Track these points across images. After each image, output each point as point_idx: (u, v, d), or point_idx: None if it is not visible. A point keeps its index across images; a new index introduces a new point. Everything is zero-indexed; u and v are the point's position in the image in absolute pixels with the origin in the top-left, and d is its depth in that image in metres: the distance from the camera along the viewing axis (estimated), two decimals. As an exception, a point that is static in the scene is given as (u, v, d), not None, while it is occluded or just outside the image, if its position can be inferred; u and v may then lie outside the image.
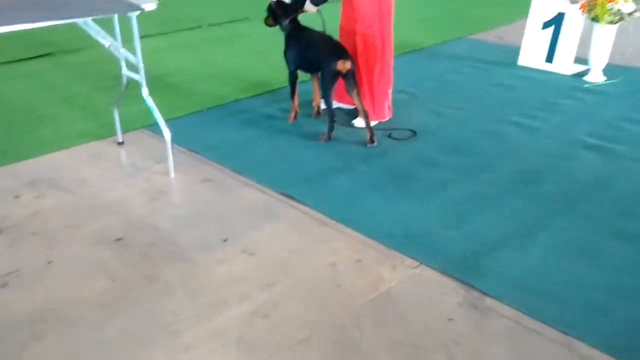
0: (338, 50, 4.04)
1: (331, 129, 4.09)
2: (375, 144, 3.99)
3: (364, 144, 3.99)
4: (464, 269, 2.74)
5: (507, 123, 4.33)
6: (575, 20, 5.17)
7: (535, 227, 3.07)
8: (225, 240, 3.02)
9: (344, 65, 3.97)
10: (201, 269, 2.80)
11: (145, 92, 3.61)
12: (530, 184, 3.47)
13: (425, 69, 5.50)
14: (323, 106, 4.53)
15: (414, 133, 4.15)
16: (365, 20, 4.13)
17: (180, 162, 3.77)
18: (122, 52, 3.58)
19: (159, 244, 3.00)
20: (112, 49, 3.66)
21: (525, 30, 5.55)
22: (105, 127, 4.35)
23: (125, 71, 3.81)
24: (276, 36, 4.33)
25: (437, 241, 2.96)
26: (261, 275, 2.75)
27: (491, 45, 6.35)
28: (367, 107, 4.29)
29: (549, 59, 5.39)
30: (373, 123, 4.32)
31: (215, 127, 4.37)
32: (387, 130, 4.21)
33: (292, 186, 3.48)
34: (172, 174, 3.68)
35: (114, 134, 4.19)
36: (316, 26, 4.22)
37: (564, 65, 5.32)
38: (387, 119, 4.39)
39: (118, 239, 3.04)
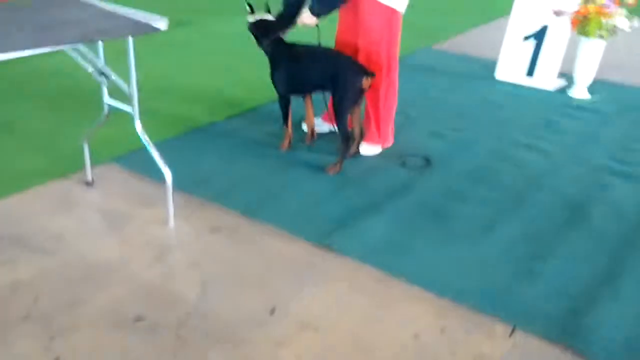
0: (359, 66, 3.58)
1: (344, 157, 3.61)
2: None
3: (384, 179, 3.56)
4: (569, 333, 2.36)
5: (518, 146, 4.02)
6: (560, 34, 4.98)
7: (612, 273, 2.74)
8: (273, 311, 2.47)
9: (367, 83, 3.53)
10: (261, 354, 2.24)
11: (139, 126, 2.96)
12: (580, 220, 3.15)
13: (404, 84, 5.04)
14: (321, 129, 4.07)
15: (428, 161, 3.75)
16: (372, 36, 3.66)
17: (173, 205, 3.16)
18: (113, 79, 2.91)
19: (193, 321, 2.40)
20: (95, 74, 2.99)
21: (503, 43, 5.31)
22: (63, 162, 3.64)
23: (107, 99, 3.14)
24: (225, 44, 3.79)
25: (518, 297, 2.57)
26: (338, 359, 2.23)
27: (457, 56, 6.08)
28: (372, 132, 3.86)
29: (530, 73, 5.17)
30: (377, 149, 3.89)
31: (199, 156, 3.76)
32: (397, 157, 3.79)
33: (323, 233, 2.98)
34: (172, 223, 3.06)
35: (78, 169, 3.50)
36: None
37: (546, 80, 5.12)
38: (391, 144, 3.96)
39: (138, 318, 2.41)
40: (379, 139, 3.88)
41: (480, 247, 2.90)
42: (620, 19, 4.59)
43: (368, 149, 3.85)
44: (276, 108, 3.92)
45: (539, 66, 5.12)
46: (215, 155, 3.78)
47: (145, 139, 2.97)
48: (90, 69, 2.99)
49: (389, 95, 3.85)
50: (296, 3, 3.60)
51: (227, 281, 2.65)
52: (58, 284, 2.60)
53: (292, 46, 3.72)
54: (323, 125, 4.16)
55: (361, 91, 3.56)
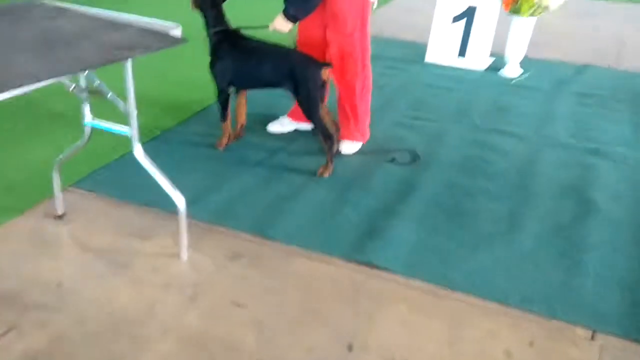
0: (313, 60, 3.37)
1: (333, 156, 3.39)
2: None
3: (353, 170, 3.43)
4: (644, 328, 2.38)
5: (488, 132, 4.01)
6: (490, 13, 5.03)
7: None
8: (350, 348, 2.24)
9: (326, 75, 3.33)
10: (369, 402, 2.03)
11: (139, 150, 2.55)
12: (589, 207, 3.15)
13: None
14: (286, 129, 3.85)
15: (415, 155, 3.63)
16: (346, 28, 3.43)
17: (168, 232, 2.80)
18: (111, 97, 2.46)
19: (271, 372, 2.12)
20: (77, 91, 2.53)
21: (432, 26, 5.28)
22: (13, 194, 3.10)
23: (90, 120, 2.66)
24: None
25: (582, 297, 2.52)
26: (451, 393, 2.07)
27: (377, 40, 5.95)
28: (351, 129, 3.67)
29: (462, 53, 5.20)
30: (358, 145, 3.71)
31: (173, 171, 3.24)
32: (382, 153, 3.64)
33: (353, 248, 2.77)
34: (185, 255, 2.70)
35: (35, 202, 3.02)
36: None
37: (478, 60, 5.18)
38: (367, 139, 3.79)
39: (207, 378, 2.08)
40: (359, 135, 3.70)
41: (516, 245, 2.84)
42: (554, -2, 4.72)
43: (350, 147, 3.66)
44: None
45: (470, 47, 5.16)
46: (191, 168, 3.40)
47: (147, 164, 2.56)
48: (72, 86, 2.52)
49: (365, 89, 3.66)
50: None
51: (280, 318, 2.37)
52: (85, 346, 2.19)
53: (240, 38, 3.43)
54: (290, 125, 3.90)
55: (323, 84, 3.35)
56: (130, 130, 2.51)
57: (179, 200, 2.60)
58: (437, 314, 2.42)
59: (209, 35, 3.42)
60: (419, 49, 5.41)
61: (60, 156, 2.82)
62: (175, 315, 2.35)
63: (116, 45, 2.10)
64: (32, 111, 3.93)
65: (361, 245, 2.79)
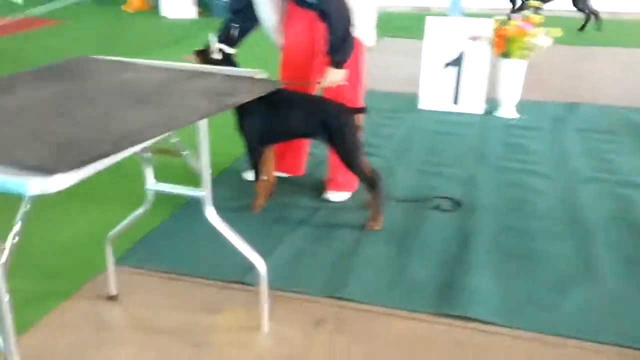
0: (344, 105, 3.20)
1: (381, 206, 3.23)
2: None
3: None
4: None
5: (514, 172, 3.96)
6: (481, 57, 5.07)
7: None
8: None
9: (359, 120, 3.21)
10: None
11: (212, 213, 2.34)
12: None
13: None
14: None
15: (457, 202, 3.53)
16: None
17: (236, 303, 2.61)
18: (186, 156, 2.26)
19: None
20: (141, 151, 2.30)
21: (422, 73, 5.27)
22: (53, 276, 2.80)
23: (152, 184, 2.42)
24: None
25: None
26: None
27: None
28: (338, 179, 3.55)
29: (456, 99, 5.20)
30: (347, 195, 3.58)
31: (211, 239, 3.02)
32: (421, 201, 3.53)
33: (440, 303, 2.62)
34: (267, 327, 2.46)
35: (81, 283, 2.71)
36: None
37: (473, 104, 5.18)
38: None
39: None
40: (348, 184, 3.57)
41: (600, 284, 2.75)
42: (542, 37, 4.80)
43: (337, 196, 3.55)
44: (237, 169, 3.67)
45: (464, 92, 5.17)
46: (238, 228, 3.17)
47: (224, 229, 2.35)
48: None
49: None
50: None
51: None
52: None
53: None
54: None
55: (358, 129, 3.22)
56: (204, 192, 2.29)
57: (261, 267, 2.38)
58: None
59: None
60: (408, 98, 5.40)
61: (118, 228, 2.55)
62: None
63: (215, 91, 1.92)
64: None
65: (446, 299, 2.64)
